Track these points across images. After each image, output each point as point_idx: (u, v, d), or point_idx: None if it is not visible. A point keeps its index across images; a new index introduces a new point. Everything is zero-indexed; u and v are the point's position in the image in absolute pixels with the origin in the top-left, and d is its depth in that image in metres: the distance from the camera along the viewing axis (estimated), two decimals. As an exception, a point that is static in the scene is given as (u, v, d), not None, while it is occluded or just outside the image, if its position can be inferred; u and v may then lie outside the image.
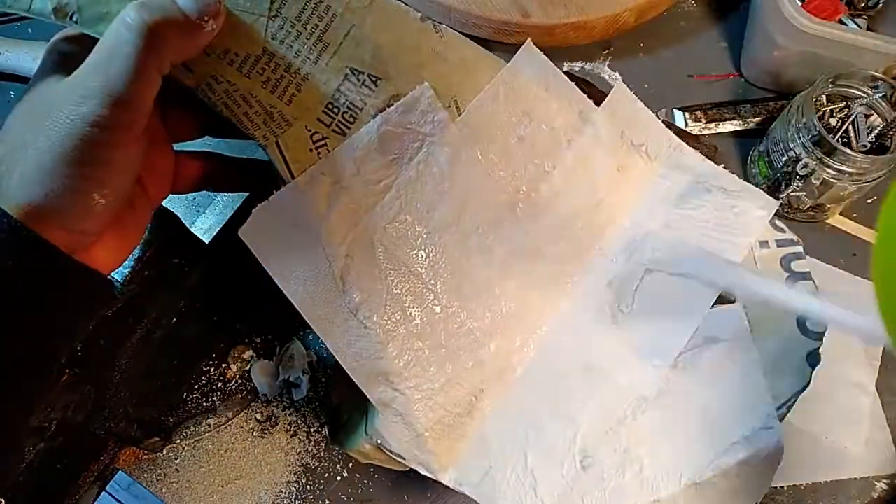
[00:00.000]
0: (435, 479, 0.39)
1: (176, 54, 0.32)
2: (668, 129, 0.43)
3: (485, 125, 0.40)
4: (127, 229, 0.35)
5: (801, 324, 0.41)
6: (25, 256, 0.29)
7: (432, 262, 0.39)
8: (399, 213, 0.38)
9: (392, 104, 0.38)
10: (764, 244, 0.42)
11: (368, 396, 0.38)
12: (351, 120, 0.37)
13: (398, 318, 0.38)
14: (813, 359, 0.40)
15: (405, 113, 0.38)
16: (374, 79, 0.37)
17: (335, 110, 0.37)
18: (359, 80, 0.37)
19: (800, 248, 0.43)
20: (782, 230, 0.43)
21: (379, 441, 0.38)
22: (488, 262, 0.40)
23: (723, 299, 0.41)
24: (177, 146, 0.39)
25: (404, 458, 0.38)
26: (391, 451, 0.38)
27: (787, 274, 0.42)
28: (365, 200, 0.38)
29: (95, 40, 0.31)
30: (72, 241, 0.31)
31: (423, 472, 0.38)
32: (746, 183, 0.43)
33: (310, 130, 0.37)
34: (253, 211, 0.36)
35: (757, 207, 0.42)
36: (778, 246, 0.43)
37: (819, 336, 0.40)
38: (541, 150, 0.41)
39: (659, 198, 0.42)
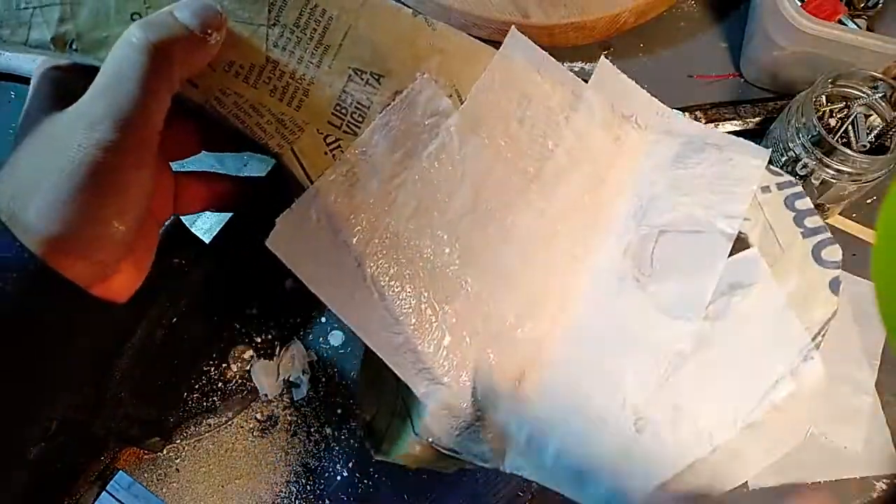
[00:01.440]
0: (494, 468, 0.39)
1: (183, 70, 0.32)
2: (654, 98, 0.45)
3: (486, 111, 0.40)
4: (139, 254, 0.35)
5: (817, 256, 0.42)
6: (45, 291, 0.29)
7: (457, 251, 0.39)
8: (419, 205, 0.39)
9: (396, 98, 0.38)
10: (766, 189, 0.43)
11: (415, 391, 0.38)
12: (360, 119, 0.38)
13: (433, 311, 0.38)
14: (835, 285, 0.41)
15: (410, 106, 0.38)
16: (376, 76, 0.38)
17: (344, 111, 0.37)
18: (362, 79, 0.37)
19: (799, 188, 0.44)
20: (779, 174, 0.44)
21: (430, 438, 0.38)
22: (509, 246, 0.40)
23: (738, 248, 0.41)
24: (177, 169, 0.39)
25: (458, 453, 0.38)
26: (444, 447, 0.38)
27: (793, 213, 0.44)
28: (384, 197, 0.38)
29: (88, 67, 0.31)
30: (93, 273, 0.30)
31: (478, 463, 0.38)
32: (736, 137, 0.44)
33: (322, 133, 0.37)
34: (277, 220, 0.36)
35: (751, 157, 0.43)
36: (779, 189, 0.44)
37: (836, 264, 0.42)
38: (541, 130, 0.42)
39: (656, 163, 0.43)
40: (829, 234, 0.43)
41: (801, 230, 0.43)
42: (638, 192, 0.43)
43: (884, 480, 0.50)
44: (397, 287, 0.38)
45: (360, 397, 0.49)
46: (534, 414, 0.39)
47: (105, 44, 0.33)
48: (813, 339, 0.40)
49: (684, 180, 0.43)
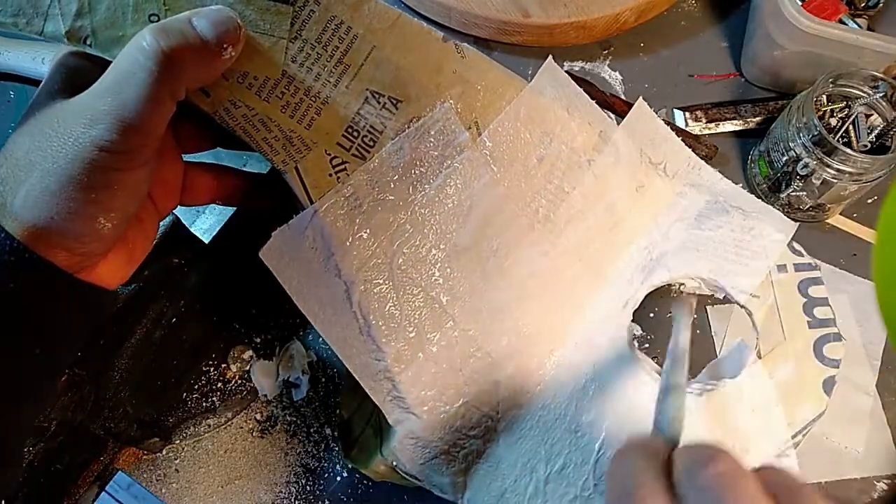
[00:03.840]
0: (451, 500, 0.38)
1: (192, 81, 0.31)
2: (687, 147, 0.43)
3: (505, 146, 0.39)
4: (134, 244, 0.35)
5: (818, 351, 0.40)
6: (28, 277, 0.29)
7: (450, 286, 0.38)
8: (417, 235, 0.38)
9: (412, 126, 0.37)
10: (782, 268, 0.42)
11: (386, 416, 0.38)
12: (371, 143, 0.37)
13: (415, 343, 0.38)
14: (829, 385, 0.39)
15: (425, 135, 0.38)
16: (394, 101, 0.37)
17: (355, 134, 0.36)
18: (379, 102, 0.37)
19: (818, 273, 0.42)
20: (800, 254, 0.42)
21: (394, 462, 0.38)
22: (507, 285, 0.39)
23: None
24: (186, 157, 0.39)
25: (420, 480, 0.38)
26: (406, 473, 0.38)
27: (805, 299, 0.42)
28: (383, 224, 0.37)
29: (106, 59, 0.31)
30: (76, 262, 0.30)
31: (437, 493, 0.38)
32: (765, 204, 0.43)
33: (329, 155, 0.36)
34: (273, 233, 0.36)
35: (775, 230, 0.42)
36: (796, 270, 0.42)
37: (835, 363, 0.40)
38: (560, 170, 0.41)
39: (676, 217, 0.42)
40: (835, 329, 0.41)
41: (809, 320, 0.41)
42: (650, 245, 0.42)
43: (885, 481, 0.50)
44: (383, 316, 0.37)
45: (343, 395, 0.49)
46: (498, 456, 0.39)
47: (120, 42, 0.32)
48: (793, 437, 0.39)
49: (701, 242, 0.41)
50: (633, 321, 0.41)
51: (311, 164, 0.36)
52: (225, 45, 0.31)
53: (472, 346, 0.39)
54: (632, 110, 0.43)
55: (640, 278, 0.41)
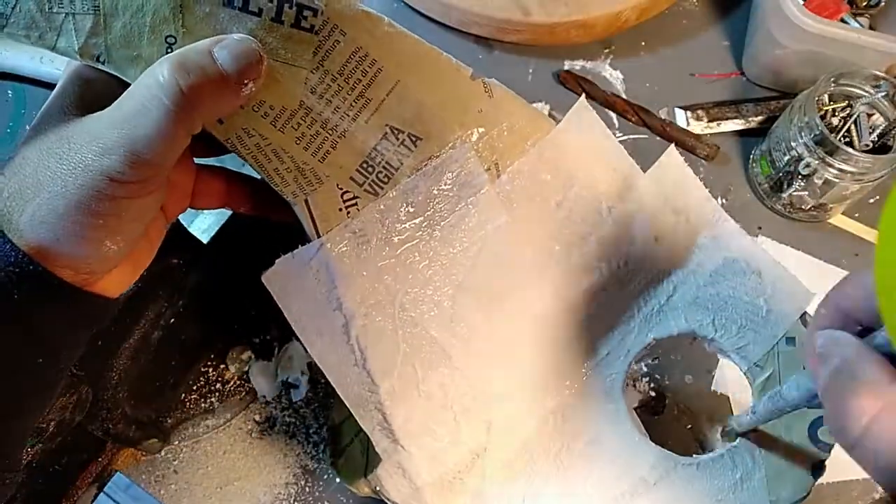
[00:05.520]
0: None
1: (209, 115, 0.30)
2: (713, 200, 0.42)
3: (524, 188, 0.38)
4: (139, 254, 0.34)
5: (814, 433, 0.39)
6: (32, 288, 0.28)
7: (452, 325, 0.38)
8: (424, 275, 0.37)
9: (429, 164, 0.36)
10: (790, 341, 0.40)
11: (375, 445, 0.38)
12: (385, 180, 0.36)
13: (409, 380, 0.38)
14: (818, 471, 0.38)
15: (442, 174, 0.37)
16: (413, 138, 0.36)
17: (370, 169, 0.35)
18: (398, 139, 0.35)
19: None
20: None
21: (377, 488, 0.38)
22: (510, 327, 0.39)
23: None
24: (198, 160, 0.38)
25: None
26: (389, 499, 0.38)
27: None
28: (391, 262, 0.37)
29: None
30: (80, 279, 0.30)
31: None
32: (785, 269, 0.41)
33: (341, 189, 0.35)
34: (277, 260, 0.36)
35: (789, 300, 0.40)
36: (805, 345, 0.41)
37: (829, 448, 0.38)
38: (579, 216, 0.40)
39: (691, 270, 0.41)
40: None
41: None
42: (660, 295, 0.41)
43: (886, 482, 0.50)
44: (380, 352, 0.37)
45: (337, 398, 0.49)
46: (482, 491, 0.39)
47: (135, 62, 0.31)
48: None
49: (712, 300, 0.40)
50: (632, 374, 0.41)
51: (321, 197, 0.35)
52: (246, 81, 0.30)
53: (466, 386, 0.38)
54: (661, 158, 0.41)
55: (645, 330, 0.41)
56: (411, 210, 0.36)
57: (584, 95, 0.40)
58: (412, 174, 0.36)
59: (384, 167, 0.35)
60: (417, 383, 0.38)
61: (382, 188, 0.36)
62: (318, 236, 0.35)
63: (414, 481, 0.38)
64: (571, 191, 0.39)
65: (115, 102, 0.29)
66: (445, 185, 0.37)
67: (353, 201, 0.36)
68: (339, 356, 0.37)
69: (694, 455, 0.40)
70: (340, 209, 0.35)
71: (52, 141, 0.30)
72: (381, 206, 0.36)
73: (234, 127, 0.33)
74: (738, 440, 0.39)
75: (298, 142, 0.34)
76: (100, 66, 0.31)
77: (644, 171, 0.41)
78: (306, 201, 0.35)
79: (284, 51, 0.32)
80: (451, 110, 0.36)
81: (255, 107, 0.33)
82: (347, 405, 0.37)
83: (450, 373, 0.38)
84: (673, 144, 0.42)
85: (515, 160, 0.38)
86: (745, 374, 0.40)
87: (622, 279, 0.41)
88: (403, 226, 0.37)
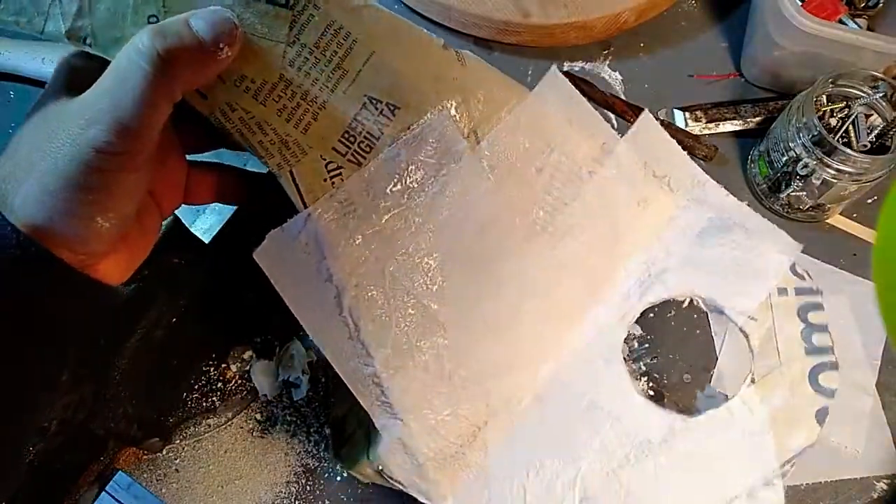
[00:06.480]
0: None
1: (188, 82, 0.31)
2: (692, 162, 0.42)
3: (504, 155, 0.39)
4: (136, 242, 0.35)
5: (814, 379, 0.39)
6: (34, 270, 0.29)
7: (443, 294, 0.38)
8: (411, 243, 0.38)
9: (409, 133, 0.37)
10: (782, 291, 0.40)
11: (374, 422, 0.38)
12: (367, 149, 0.36)
13: (405, 350, 0.38)
14: (822, 416, 0.39)
15: (422, 142, 0.37)
16: (392, 108, 0.36)
17: (351, 139, 0.36)
18: (377, 108, 0.36)
19: (819, 299, 0.41)
20: (802, 277, 0.41)
21: (380, 467, 0.38)
22: (501, 295, 0.39)
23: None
24: (190, 157, 0.39)
25: (405, 486, 0.38)
26: (392, 478, 0.38)
27: (803, 325, 0.41)
28: (377, 230, 0.37)
29: (107, 59, 0.31)
30: (78, 261, 0.30)
31: (422, 499, 0.38)
32: (769, 223, 0.41)
33: (325, 160, 0.36)
34: (267, 235, 0.36)
35: (778, 251, 0.41)
36: (796, 294, 0.41)
37: (831, 393, 0.39)
38: (560, 181, 0.40)
39: (678, 233, 0.41)
40: (833, 358, 0.41)
41: (806, 346, 0.41)
42: (650, 260, 0.41)
43: (884, 481, 0.50)
44: (373, 321, 0.37)
45: (338, 392, 0.49)
46: (484, 465, 0.39)
47: (119, 43, 0.32)
48: (782, 466, 0.39)
49: (702, 259, 0.41)
50: (627, 338, 0.41)
51: (305, 168, 0.36)
52: (221, 46, 0.31)
53: (462, 356, 0.39)
54: (637, 122, 0.42)
55: (637, 293, 0.41)
56: (395, 178, 0.37)
57: (554, 65, 0.41)
58: (393, 143, 0.37)
59: (365, 137, 0.36)
60: (413, 354, 0.38)
61: (365, 157, 0.37)
62: (305, 207, 0.36)
63: (416, 457, 0.38)
64: (551, 156, 0.40)
65: (101, 77, 0.30)
66: (426, 153, 0.37)
67: (338, 171, 0.36)
68: (333, 330, 0.37)
69: (695, 412, 0.40)
70: (325, 180, 0.36)
71: (42, 122, 0.31)
72: (365, 175, 0.37)
73: (217, 102, 0.34)
74: (735, 394, 0.39)
75: (280, 114, 0.35)
76: (87, 49, 0.32)
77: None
78: (291, 173, 0.35)
79: (261, 25, 0.33)
80: (427, 79, 0.37)
81: (237, 81, 0.34)
82: (345, 381, 0.37)
83: (444, 343, 0.38)
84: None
85: (493, 127, 0.39)
86: (740, 329, 0.40)
87: (609, 244, 0.41)
88: (389, 194, 0.37)
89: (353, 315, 0.37)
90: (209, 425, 0.49)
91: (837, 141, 0.48)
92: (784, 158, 0.51)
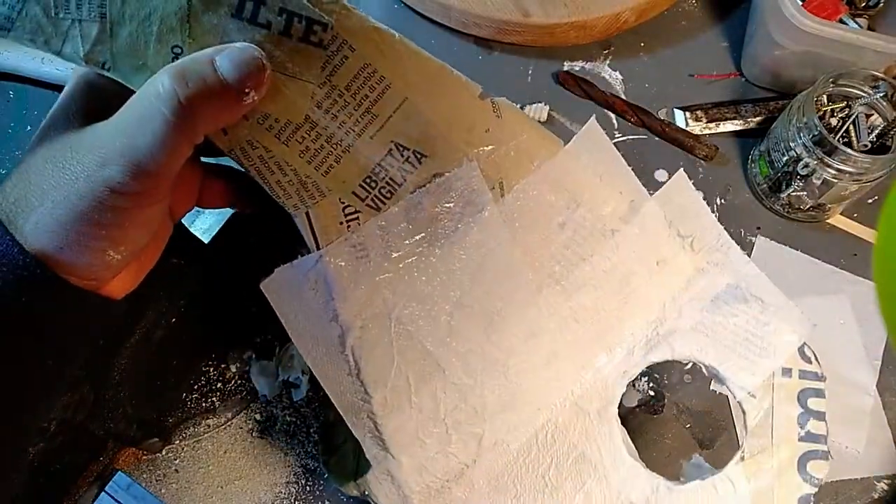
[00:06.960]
0: None
1: (211, 126, 0.30)
2: (719, 225, 0.41)
3: (528, 208, 0.38)
4: (145, 257, 0.34)
5: (802, 466, 0.39)
6: (40, 292, 0.29)
7: (448, 341, 0.38)
8: (422, 291, 0.37)
9: (434, 181, 0.36)
10: (787, 372, 0.40)
11: (365, 452, 0.38)
12: (387, 195, 0.36)
13: (402, 391, 0.38)
14: (804, 502, 0.39)
15: (446, 191, 0.36)
16: (419, 156, 0.35)
17: (372, 185, 0.35)
18: (402, 155, 0.35)
19: (822, 385, 0.41)
20: (809, 360, 0.41)
21: (366, 492, 0.39)
22: (506, 343, 0.39)
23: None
24: (204, 159, 0.38)
25: None
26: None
27: (801, 410, 0.41)
28: (389, 276, 0.37)
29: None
30: (85, 285, 0.30)
31: None
32: (786, 299, 0.41)
33: (343, 203, 0.35)
34: (276, 269, 0.36)
35: (789, 331, 0.40)
36: (800, 377, 0.41)
37: (817, 482, 0.39)
38: (582, 237, 0.40)
39: (692, 296, 0.41)
40: (825, 447, 0.40)
41: (800, 432, 0.41)
42: (660, 320, 0.41)
43: (885, 481, 0.50)
44: (374, 364, 0.37)
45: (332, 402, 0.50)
46: (468, 500, 0.39)
47: (140, 71, 0.30)
48: None
49: (713, 327, 0.40)
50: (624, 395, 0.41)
51: (322, 210, 0.35)
52: (247, 90, 0.29)
53: (459, 399, 0.39)
54: (669, 181, 0.41)
55: (642, 352, 0.41)
56: (412, 226, 0.36)
57: (593, 117, 0.40)
58: (415, 191, 0.36)
59: (387, 183, 0.35)
60: (410, 395, 0.38)
61: (385, 203, 0.36)
62: (318, 248, 0.35)
63: (403, 489, 0.38)
64: (576, 212, 0.39)
65: (118, 112, 0.29)
66: (449, 202, 0.37)
67: (355, 215, 0.35)
68: (334, 365, 0.37)
69: (681, 479, 0.40)
70: (341, 223, 0.35)
71: (55, 149, 0.29)
72: (382, 222, 0.36)
73: (238, 138, 0.32)
74: (722, 469, 0.39)
75: (302, 155, 0.34)
76: (105, 74, 0.31)
77: (645, 170, 0.41)
78: (307, 214, 0.35)
79: (292, 64, 0.32)
80: (458, 129, 0.36)
81: (260, 119, 0.32)
82: (340, 412, 0.37)
83: (443, 386, 0.38)
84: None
85: (521, 180, 0.38)
86: (738, 403, 0.40)
87: (621, 301, 0.41)
88: (404, 242, 0.37)
89: (355, 354, 0.37)
90: (209, 426, 0.49)
91: (838, 141, 0.48)
92: (784, 158, 0.51)
